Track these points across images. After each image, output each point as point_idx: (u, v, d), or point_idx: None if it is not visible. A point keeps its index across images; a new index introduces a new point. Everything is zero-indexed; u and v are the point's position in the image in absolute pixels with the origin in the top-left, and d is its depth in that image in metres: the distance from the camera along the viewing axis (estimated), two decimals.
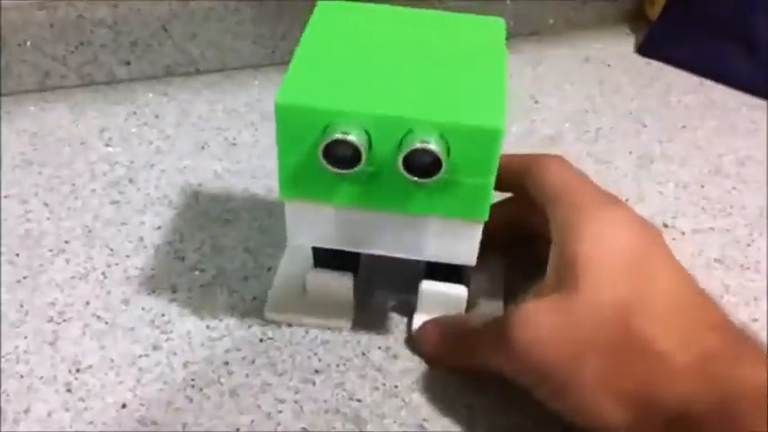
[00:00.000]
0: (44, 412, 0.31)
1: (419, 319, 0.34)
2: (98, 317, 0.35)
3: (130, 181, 0.43)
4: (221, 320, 0.35)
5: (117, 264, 0.37)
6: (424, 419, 0.31)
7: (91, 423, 0.30)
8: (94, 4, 0.47)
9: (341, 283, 0.34)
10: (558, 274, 0.29)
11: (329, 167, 0.27)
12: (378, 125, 0.27)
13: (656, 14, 0.60)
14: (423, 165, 0.27)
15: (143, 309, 0.35)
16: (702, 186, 0.46)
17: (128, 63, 0.50)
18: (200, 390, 0.32)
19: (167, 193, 0.42)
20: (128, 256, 0.38)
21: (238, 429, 0.30)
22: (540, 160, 0.33)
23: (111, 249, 0.38)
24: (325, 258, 0.34)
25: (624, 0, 0.62)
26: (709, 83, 0.56)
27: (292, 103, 0.28)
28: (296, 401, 0.32)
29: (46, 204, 0.41)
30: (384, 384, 0.33)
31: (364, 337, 0.34)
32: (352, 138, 0.27)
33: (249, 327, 0.35)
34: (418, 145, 0.27)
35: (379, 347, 0.34)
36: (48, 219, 0.40)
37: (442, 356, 0.33)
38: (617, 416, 0.26)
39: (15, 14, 0.46)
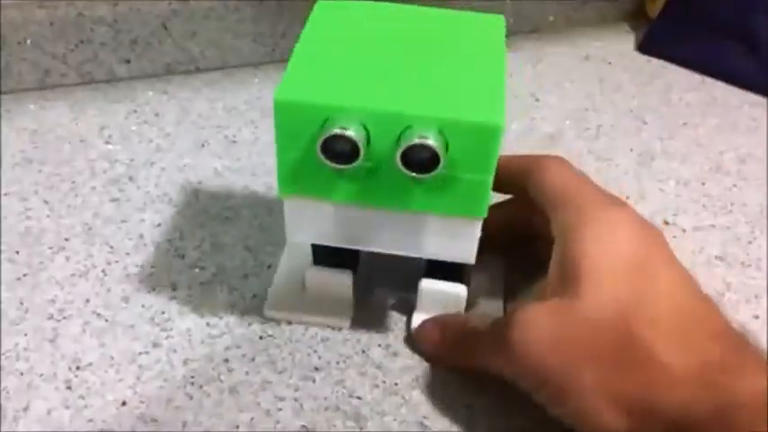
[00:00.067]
0: (44, 410, 0.31)
1: (418, 318, 0.34)
2: (98, 314, 0.35)
3: (130, 179, 0.43)
4: (221, 318, 0.35)
5: (117, 261, 0.37)
6: (424, 417, 0.31)
7: (91, 421, 0.30)
8: (94, 3, 0.47)
9: (340, 281, 0.34)
10: (559, 277, 0.29)
11: (327, 163, 0.27)
12: (376, 120, 0.27)
13: (657, 12, 0.60)
14: (421, 160, 0.27)
15: (143, 306, 0.35)
16: (703, 184, 0.46)
17: (128, 61, 0.50)
18: (200, 387, 0.32)
19: (167, 190, 0.42)
20: (128, 254, 0.38)
21: (238, 427, 0.30)
22: (541, 161, 0.33)
23: (111, 247, 0.38)
24: (325, 256, 0.34)
25: None
26: (709, 80, 0.56)
27: (291, 100, 0.28)
28: (296, 399, 0.32)
29: (46, 202, 0.41)
30: (384, 382, 0.33)
31: (364, 335, 0.34)
32: (350, 133, 0.27)
33: (249, 324, 0.35)
34: (416, 140, 0.26)
35: (379, 345, 0.34)
36: (48, 216, 0.40)
37: (442, 356, 0.33)
38: (616, 422, 0.26)
39: (15, 13, 0.46)
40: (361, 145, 0.27)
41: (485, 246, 0.31)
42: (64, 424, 0.30)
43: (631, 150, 0.48)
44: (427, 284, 0.34)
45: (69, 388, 0.31)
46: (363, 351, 0.34)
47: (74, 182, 0.42)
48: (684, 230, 0.42)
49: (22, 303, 0.35)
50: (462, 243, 0.31)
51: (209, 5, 0.50)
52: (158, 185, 0.42)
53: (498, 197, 0.35)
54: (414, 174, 0.27)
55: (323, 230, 0.31)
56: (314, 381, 0.32)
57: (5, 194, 0.41)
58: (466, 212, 0.30)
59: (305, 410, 0.31)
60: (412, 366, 0.33)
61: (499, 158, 0.29)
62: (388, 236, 0.31)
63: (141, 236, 0.39)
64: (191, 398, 0.31)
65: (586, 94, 0.54)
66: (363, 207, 0.30)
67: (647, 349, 0.26)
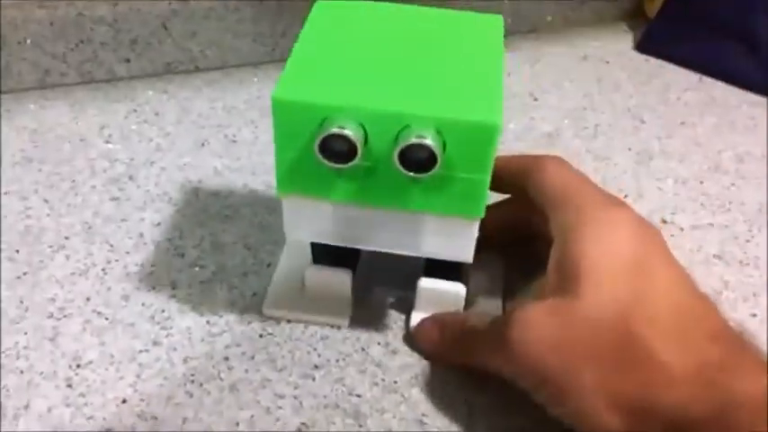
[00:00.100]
0: (44, 408, 0.31)
1: (417, 316, 0.35)
2: (98, 313, 0.35)
3: (130, 178, 0.43)
4: (221, 316, 0.35)
5: (117, 260, 0.38)
6: (424, 414, 0.31)
7: (91, 418, 0.30)
8: (94, 3, 0.47)
9: (339, 280, 0.34)
10: (558, 277, 0.29)
11: (325, 162, 0.28)
12: (374, 120, 0.27)
13: (655, 12, 0.60)
14: (418, 160, 0.27)
15: (143, 305, 0.35)
16: (701, 182, 0.46)
17: (128, 61, 0.50)
18: (200, 385, 0.32)
19: (167, 189, 0.42)
20: (128, 253, 0.38)
21: (238, 424, 0.31)
22: (540, 161, 0.33)
23: (111, 246, 0.38)
24: (324, 255, 0.34)
25: None
26: (708, 80, 0.56)
27: (289, 99, 0.28)
28: (295, 397, 0.32)
29: (46, 201, 0.41)
30: (383, 380, 0.33)
31: (363, 333, 0.35)
32: (348, 132, 0.27)
33: (249, 323, 0.35)
34: (414, 140, 0.27)
35: (379, 343, 0.34)
36: (48, 215, 0.40)
37: (441, 354, 0.33)
38: (615, 421, 0.26)
39: (15, 12, 0.46)
40: (359, 144, 0.27)
41: (484, 245, 0.31)
42: (64, 422, 0.30)
43: (629, 149, 0.48)
44: (426, 283, 0.34)
45: (70, 386, 0.32)
46: (363, 349, 0.34)
47: (74, 181, 0.42)
48: (682, 229, 0.42)
49: (22, 302, 0.35)
50: (460, 242, 0.31)
51: (209, 5, 0.50)
52: (158, 184, 0.43)
53: (497, 197, 0.36)
54: (411, 173, 0.28)
55: (321, 229, 0.31)
56: (313, 379, 0.32)
57: (5, 193, 0.41)
58: (463, 212, 0.30)
59: (304, 408, 0.31)
60: (411, 364, 0.33)
61: (498, 159, 0.29)
62: (387, 235, 0.31)
63: (141, 235, 0.39)
64: (191, 396, 0.31)
65: (585, 93, 0.54)
66: (361, 206, 0.30)
67: (646, 349, 0.26)
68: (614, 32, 0.61)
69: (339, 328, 0.35)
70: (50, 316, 0.35)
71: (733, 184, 0.46)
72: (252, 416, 0.31)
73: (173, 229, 0.40)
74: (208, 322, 0.35)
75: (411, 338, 0.34)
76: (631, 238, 0.29)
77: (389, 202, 0.30)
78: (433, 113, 0.27)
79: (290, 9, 0.52)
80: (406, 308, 0.35)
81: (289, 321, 0.35)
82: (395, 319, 0.35)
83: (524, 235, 0.36)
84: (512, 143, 0.48)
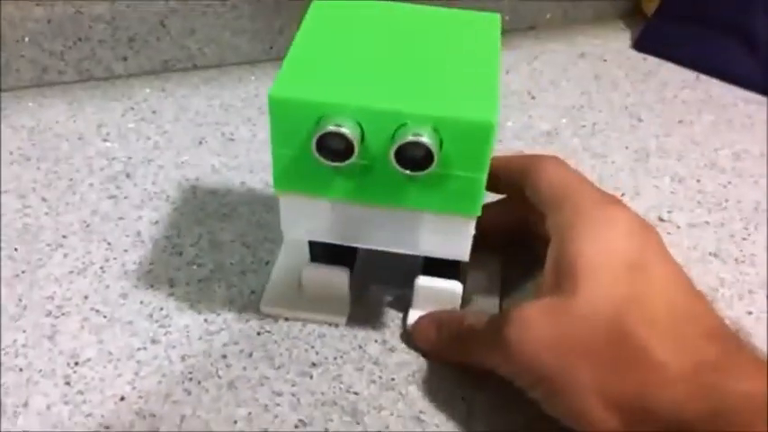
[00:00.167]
0: (43, 405, 0.31)
1: (414, 315, 0.35)
2: (96, 311, 0.35)
3: (128, 176, 0.43)
4: (219, 314, 0.35)
5: (115, 258, 0.38)
6: (421, 412, 0.32)
7: (89, 416, 0.31)
8: (92, 1, 0.47)
9: (337, 278, 0.35)
10: (555, 275, 0.29)
11: (322, 160, 0.28)
12: (371, 118, 0.28)
13: (653, 10, 0.60)
14: (415, 158, 0.27)
15: (141, 303, 0.35)
16: (698, 180, 0.46)
17: (125, 59, 0.50)
18: (198, 383, 0.32)
19: (165, 188, 0.42)
20: (126, 251, 0.38)
21: (236, 422, 0.31)
22: (537, 161, 0.33)
23: (109, 244, 0.38)
24: (322, 253, 0.34)
25: None
26: (704, 78, 0.56)
27: (286, 97, 0.28)
28: (293, 394, 0.32)
29: (44, 199, 0.41)
30: (381, 377, 0.33)
31: (361, 331, 0.35)
32: (344, 130, 0.27)
33: (247, 321, 0.35)
34: (410, 138, 0.27)
35: (376, 341, 0.34)
36: (46, 214, 0.40)
37: (438, 352, 0.33)
38: (611, 420, 0.26)
39: (13, 10, 0.46)
40: (356, 142, 0.27)
41: (481, 244, 0.31)
42: (63, 419, 0.30)
43: (627, 147, 0.48)
44: (423, 281, 0.34)
45: (68, 384, 0.32)
46: (360, 347, 0.34)
47: (72, 179, 0.43)
48: (679, 227, 0.42)
49: (20, 300, 0.35)
50: (457, 240, 0.31)
51: (206, 3, 0.50)
52: (156, 183, 0.43)
53: (495, 196, 0.36)
54: (408, 171, 0.28)
55: (318, 227, 0.31)
56: (311, 376, 0.33)
57: (4, 192, 0.41)
58: (460, 210, 0.30)
59: (302, 405, 0.31)
60: (409, 362, 0.34)
61: (496, 159, 0.29)
62: (383, 233, 0.31)
63: (139, 233, 0.39)
64: (189, 393, 0.32)
65: (582, 91, 0.54)
66: (358, 204, 0.30)
67: (642, 348, 0.26)
68: (612, 30, 0.61)
69: (337, 325, 0.35)
70: (49, 314, 0.35)
71: (730, 182, 0.46)
72: (250, 413, 0.31)
73: (170, 227, 0.40)
74: (206, 320, 0.35)
75: (408, 336, 0.34)
76: (628, 236, 0.29)
77: (386, 201, 0.30)
78: (430, 112, 0.27)
79: (287, 7, 0.52)
80: (404, 306, 0.35)
81: (286, 319, 0.35)
82: (392, 316, 0.36)
83: (522, 234, 0.36)
84: (510, 141, 0.48)
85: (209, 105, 0.49)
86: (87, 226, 0.39)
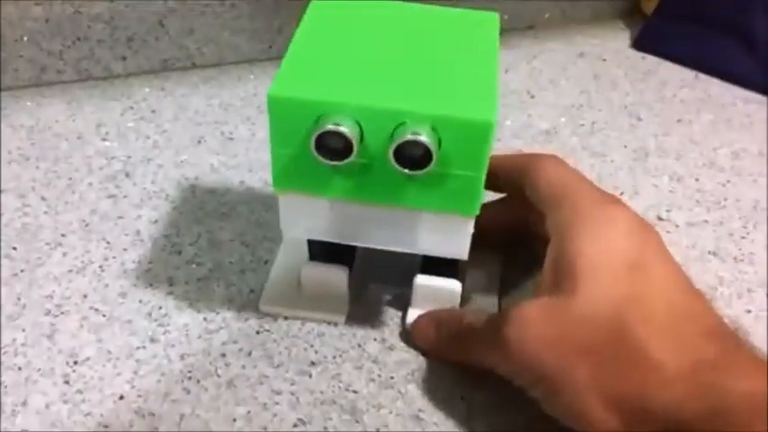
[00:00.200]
0: (42, 404, 0.31)
1: (413, 313, 0.35)
2: (95, 310, 0.35)
3: (127, 175, 0.43)
4: (218, 313, 0.35)
5: (114, 257, 0.38)
6: (420, 410, 0.32)
7: (88, 415, 0.31)
8: (91, 0, 0.47)
9: (336, 277, 0.35)
10: (554, 275, 0.29)
11: (321, 159, 0.28)
12: (370, 117, 0.28)
13: (652, 9, 0.60)
14: (413, 157, 0.27)
15: (140, 302, 0.35)
16: (697, 179, 0.46)
17: (124, 58, 0.50)
18: (198, 381, 0.32)
19: (164, 187, 0.42)
20: (125, 250, 0.38)
21: (235, 420, 0.31)
22: (537, 160, 0.33)
23: (108, 243, 0.38)
24: (321, 252, 0.34)
25: None
26: (704, 77, 0.56)
27: (284, 96, 0.28)
28: (292, 393, 0.32)
29: (43, 198, 0.41)
30: (380, 376, 0.33)
31: (360, 330, 0.35)
32: (343, 129, 0.27)
33: (246, 319, 0.35)
34: (409, 137, 0.27)
35: (375, 339, 0.34)
36: (45, 213, 0.40)
37: (438, 352, 0.34)
38: (610, 419, 0.26)
39: (12, 9, 0.46)
40: (355, 141, 0.27)
41: (481, 243, 0.31)
42: (62, 418, 0.30)
43: (626, 147, 0.48)
44: (422, 280, 0.34)
45: (67, 382, 0.32)
46: (359, 345, 0.34)
47: (71, 178, 0.43)
48: (678, 226, 0.42)
49: (19, 299, 0.35)
50: (455, 239, 0.31)
51: (205, 2, 0.50)
52: (155, 182, 0.43)
53: (495, 195, 0.36)
54: (406, 170, 0.28)
55: (317, 226, 0.31)
56: (310, 375, 0.33)
57: (3, 191, 0.41)
58: (458, 209, 0.30)
59: (301, 404, 0.31)
60: (408, 360, 0.34)
61: (495, 157, 0.29)
62: (382, 232, 0.31)
63: (138, 232, 0.39)
64: (188, 392, 0.32)
65: (581, 90, 0.54)
66: (357, 203, 0.30)
67: (641, 348, 0.26)
68: (611, 30, 0.61)
69: (336, 324, 0.35)
70: (48, 313, 0.35)
71: (728, 181, 0.46)
72: (249, 412, 0.31)
73: (170, 226, 0.40)
74: (205, 319, 0.35)
75: (407, 335, 0.34)
76: (628, 236, 0.29)
77: (385, 199, 0.30)
78: (429, 110, 0.27)
79: (286, 6, 0.52)
80: (403, 304, 0.36)
81: (286, 318, 0.35)
82: (391, 315, 0.36)
83: (521, 233, 0.36)
84: (509, 140, 0.48)
85: (209, 104, 0.49)
86: (86, 225, 0.39)
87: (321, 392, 0.32)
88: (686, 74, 0.56)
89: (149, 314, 0.35)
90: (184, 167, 0.44)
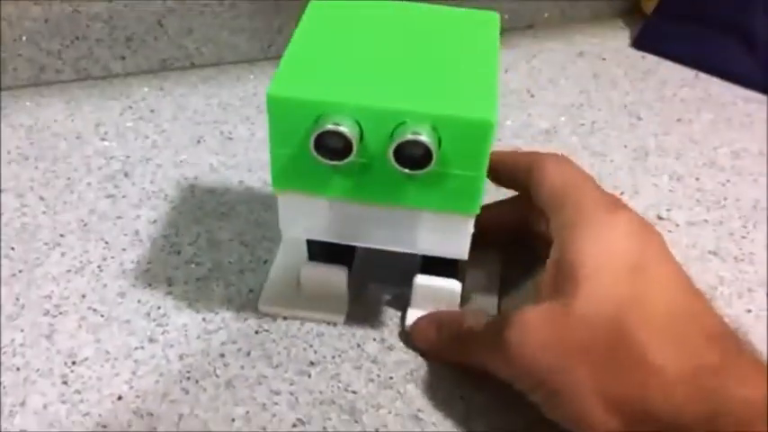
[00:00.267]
0: (40, 404, 0.31)
1: (413, 313, 0.35)
2: (94, 310, 0.35)
3: (126, 175, 0.43)
4: (217, 313, 0.35)
5: (113, 257, 0.38)
6: (419, 410, 0.31)
7: (87, 415, 0.31)
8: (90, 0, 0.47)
9: (335, 277, 0.34)
10: (556, 276, 0.29)
11: (320, 159, 0.28)
12: (369, 116, 0.27)
13: (652, 8, 0.60)
14: (413, 156, 0.27)
15: (139, 302, 0.35)
16: (697, 179, 0.46)
17: (123, 58, 0.50)
18: (196, 382, 0.32)
19: (163, 186, 0.42)
20: (124, 250, 0.38)
21: (234, 420, 0.31)
22: (541, 160, 0.33)
23: (107, 243, 0.38)
24: (320, 252, 0.34)
25: None
26: (704, 76, 0.56)
27: (284, 96, 0.28)
28: (291, 393, 0.32)
29: (42, 198, 0.41)
30: (379, 376, 0.33)
31: (359, 330, 0.35)
32: (343, 129, 0.27)
33: (245, 319, 0.35)
34: (409, 136, 0.27)
35: (374, 339, 0.34)
36: (43, 213, 0.40)
37: (438, 353, 0.33)
38: (611, 423, 0.26)
39: (11, 9, 0.46)
40: (354, 141, 0.27)
41: (481, 243, 0.31)
42: (60, 418, 0.30)
43: (626, 146, 0.48)
44: (422, 280, 0.34)
45: (65, 383, 0.32)
46: (358, 345, 0.34)
47: (69, 178, 0.42)
48: (678, 225, 0.42)
49: (18, 299, 0.35)
50: (455, 239, 0.31)
51: (204, 2, 0.50)
52: (154, 182, 0.43)
53: (495, 196, 0.36)
54: (406, 170, 0.28)
55: (317, 226, 0.31)
56: (309, 375, 0.33)
57: (2, 191, 0.41)
58: (458, 209, 0.30)
59: (300, 404, 0.31)
60: (407, 360, 0.33)
61: (501, 153, 0.28)
62: (382, 231, 0.31)
63: (137, 232, 0.39)
64: (187, 392, 0.32)
65: (581, 89, 0.54)
66: (357, 203, 0.30)
67: (642, 351, 0.26)
68: (611, 29, 0.61)
69: (335, 324, 0.35)
70: (46, 313, 0.35)
71: (729, 181, 0.46)
72: (247, 412, 0.31)
73: (169, 226, 0.40)
74: (204, 319, 0.35)
75: (407, 335, 0.34)
76: (630, 239, 0.29)
77: (385, 199, 0.30)
78: (429, 110, 0.27)
79: (285, 6, 0.52)
80: (402, 304, 0.35)
81: (285, 318, 0.35)
82: (391, 315, 0.35)
83: (522, 233, 0.36)
84: (509, 140, 0.48)
85: (208, 104, 0.49)
86: (85, 225, 0.39)
87: (320, 392, 0.32)
88: (686, 73, 0.56)
89: (148, 314, 0.35)
90: (183, 167, 0.44)
